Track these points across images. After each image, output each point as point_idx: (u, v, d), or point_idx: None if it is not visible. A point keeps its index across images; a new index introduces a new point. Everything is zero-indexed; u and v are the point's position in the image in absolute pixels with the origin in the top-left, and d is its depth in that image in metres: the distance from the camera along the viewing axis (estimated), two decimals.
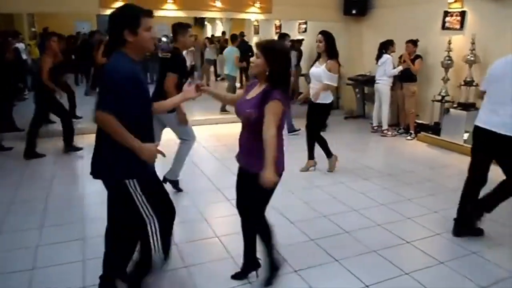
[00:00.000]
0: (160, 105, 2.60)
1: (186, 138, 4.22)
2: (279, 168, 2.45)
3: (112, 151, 2.20)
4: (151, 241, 2.34)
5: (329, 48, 4.69)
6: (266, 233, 2.63)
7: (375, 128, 7.34)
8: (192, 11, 8.20)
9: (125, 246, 2.50)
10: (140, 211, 2.29)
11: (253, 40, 13.37)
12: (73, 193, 4.35)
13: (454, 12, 6.62)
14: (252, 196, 2.54)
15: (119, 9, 2.25)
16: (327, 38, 4.69)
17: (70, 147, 5.87)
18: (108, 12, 7.05)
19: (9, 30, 9.81)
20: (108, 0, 6.92)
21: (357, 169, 5.24)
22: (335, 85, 4.89)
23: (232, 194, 4.00)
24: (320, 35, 4.72)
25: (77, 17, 14.64)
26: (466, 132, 6.16)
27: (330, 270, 2.95)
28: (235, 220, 3.64)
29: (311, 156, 5.12)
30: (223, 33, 14.27)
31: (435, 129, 6.69)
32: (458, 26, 6.58)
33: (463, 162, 5.66)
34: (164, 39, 14.48)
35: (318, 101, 4.77)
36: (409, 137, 6.90)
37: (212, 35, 16.72)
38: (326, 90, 4.75)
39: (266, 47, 2.48)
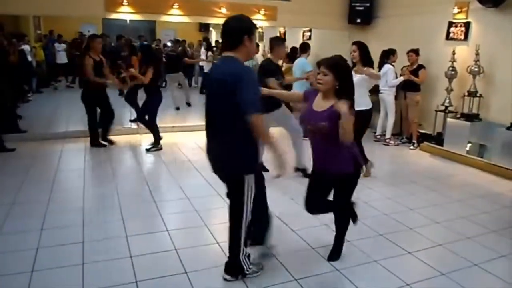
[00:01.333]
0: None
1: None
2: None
3: (236, 148, 2.54)
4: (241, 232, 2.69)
5: (363, 57, 4.86)
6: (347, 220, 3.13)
7: (378, 137, 7.32)
8: (198, 17, 8.24)
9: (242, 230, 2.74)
10: (244, 202, 2.62)
11: (259, 47, 13.39)
12: (74, 196, 4.33)
13: (459, 22, 6.62)
14: (343, 192, 2.98)
15: (242, 17, 2.59)
16: (361, 47, 4.88)
17: (104, 139, 6.31)
18: (114, 16, 7.13)
19: (15, 32, 9.87)
20: (113, 4, 6.96)
21: (360, 178, 5.19)
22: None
23: None
24: (353, 46, 4.94)
25: (83, 20, 14.69)
26: (469, 142, 6.16)
27: (330, 279, 2.93)
28: None
29: (365, 161, 5.13)
30: None
31: (438, 139, 6.68)
32: (462, 37, 6.58)
33: (466, 173, 5.69)
34: (169, 43, 14.52)
35: (357, 108, 4.66)
36: (412, 147, 6.88)
37: (217, 41, 16.78)
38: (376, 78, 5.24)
39: (332, 64, 2.75)
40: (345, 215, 3.12)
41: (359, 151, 4.80)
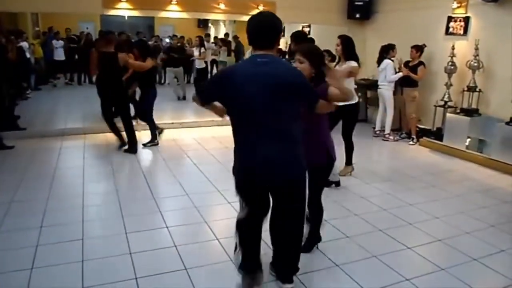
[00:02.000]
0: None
1: None
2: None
3: (299, 148, 2.46)
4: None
5: (346, 51, 4.76)
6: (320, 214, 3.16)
7: (377, 132, 7.32)
8: (196, 13, 8.22)
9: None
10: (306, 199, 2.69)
11: None
12: (73, 193, 4.33)
13: (458, 17, 6.60)
14: (313, 184, 2.95)
15: (277, 17, 2.42)
16: (344, 41, 4.78)
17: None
18: (112, 12, 7.11)
19: (13, 29, 9.83)
20: (111, 0, 6.94)
21: (359, 174, 5.21)
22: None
23: (233, 197, 3.96)
24: (338, 39, 4.84)
25: (81, 17, 14.65)
26: (469, 137, 6.15)
27: (329, 275, 2.93)
28: (235, 223, 3.64)
29: (349, 161, 5.11)
30: (226, 34, 14.29)
31: (437, 134, 6.67)
32: (461, 32, 6.56)
33: (466, 168, 5.69)
34: (167, 39, 14.48)
35: (342, 103, 4.58)
36: (411, 142, 6.87)
37: (215, 37, 16.72)
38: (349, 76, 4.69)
39: (306, 51, 2.82)
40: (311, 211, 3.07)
41: (334, 145, 4.69)
